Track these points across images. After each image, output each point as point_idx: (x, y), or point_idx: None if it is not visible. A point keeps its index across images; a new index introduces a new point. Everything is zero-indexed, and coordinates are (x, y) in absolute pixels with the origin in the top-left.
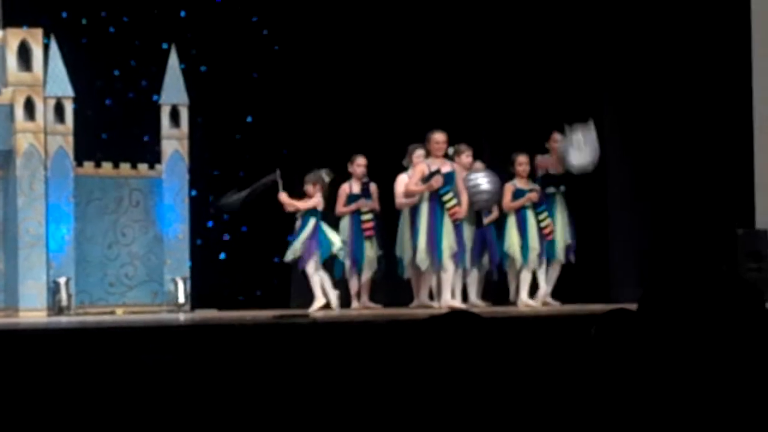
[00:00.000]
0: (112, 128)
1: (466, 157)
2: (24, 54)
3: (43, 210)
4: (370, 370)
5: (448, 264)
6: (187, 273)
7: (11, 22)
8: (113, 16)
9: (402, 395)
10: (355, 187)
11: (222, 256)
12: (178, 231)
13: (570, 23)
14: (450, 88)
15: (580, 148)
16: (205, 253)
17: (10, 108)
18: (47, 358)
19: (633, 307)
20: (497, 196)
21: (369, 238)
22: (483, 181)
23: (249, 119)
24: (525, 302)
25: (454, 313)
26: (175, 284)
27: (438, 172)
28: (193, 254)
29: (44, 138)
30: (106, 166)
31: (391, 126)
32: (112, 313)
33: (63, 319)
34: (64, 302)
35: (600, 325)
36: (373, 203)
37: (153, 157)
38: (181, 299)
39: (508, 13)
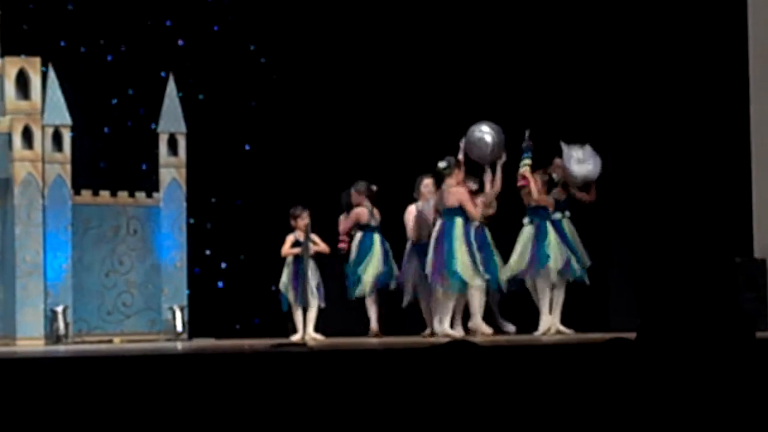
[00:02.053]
0: (110, 156)
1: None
2: (22, 82)
3: (41, 238)
4: (368, 399)
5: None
6: (184, 301)
7: (9, 50)
8: (111, 44)
9: (400, 424)
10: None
11: (220, 284)
12: (176, 259)
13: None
14: (453, 113)
15: (580, 162)
16: (202, 281)
17: (8, 136)
18: (44, 387)
19: (631, 335)
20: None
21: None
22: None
23: (247, 147)
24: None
25: (454, 342)
26: (173, 312)
27: None
28: (190, 282)
29: (42, 166)
30: (104, 195)
31: (393, 153)
32: (110, 341)
33: (61, 348)
34: (62, 331)
35: (599, 354)
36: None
37: (151, 185)
38: (179, 328)
39: (510, 32)
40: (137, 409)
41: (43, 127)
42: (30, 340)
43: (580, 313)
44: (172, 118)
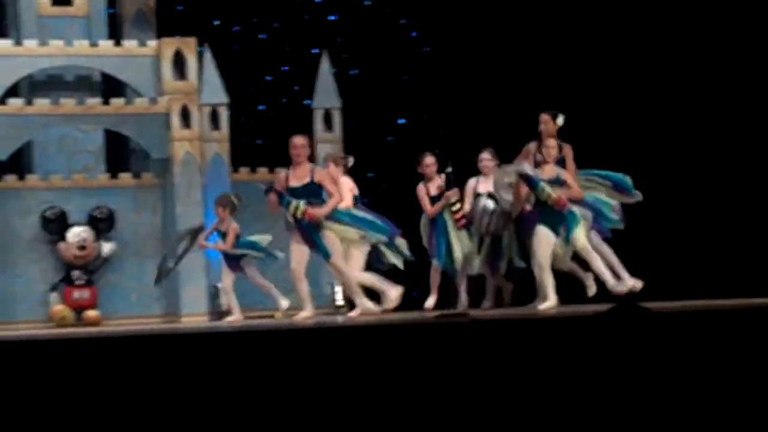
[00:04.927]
0: (266, 133)
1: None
2: (179, 63)
3: (201, 216)
4: (532, 367)
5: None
6: None
7: (165, 32)
8: (264, 22)
9: (569, 389)
10: (432, 189)
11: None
12: None
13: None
14: (604, 89)
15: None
16: None
17: (166, 117)
18: (208, 361)
19: None
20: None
21: (463, 228)
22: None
23: (401, 121)
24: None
25: (623, 306)
26: (332, 287)
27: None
28: None
29: (200, 145)
30: (262, 171)
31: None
32: (271, 317)
33: (223, 324)
34: (224, 307)
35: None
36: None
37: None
38: (339, 302)
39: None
40: (300, 380)
41: (200, 107)
42: (193, 317)
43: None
44: (326, 94)
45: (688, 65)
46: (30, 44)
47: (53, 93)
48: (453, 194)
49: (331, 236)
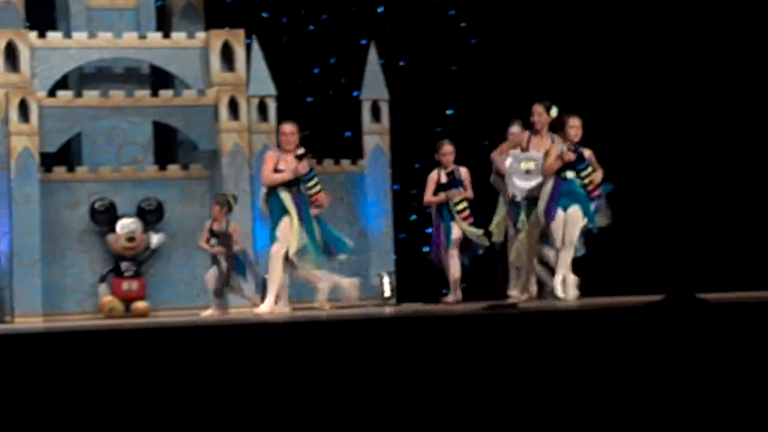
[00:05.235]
0: (314, 125)
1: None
2: (227, 54)
3: (250, 207)
4: (583, 358)
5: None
6: (392, 267)
7: (214, 24)
8: (313, 14)
9: (613, 380)
10: (443, 177)
11: (426, 249)
12: (382, 225)
13: None
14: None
15: (527, 174)
16: (408, 246)
17: (215, 108)
18: (259, 352)
19: None
20: None
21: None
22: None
23: (449, 112)
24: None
25: (677, 297)
26: (381, 278)
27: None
28: (396, 248)
29: (248, 137)
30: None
31: (604, 116)
32: (319, 309)
33: (268, 315)
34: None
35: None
36: (465, 191)
37: (355, 152)
38: (387, 293)
39: None
40: (348, 371)
41: (248, 98)
42: (242, 309)
43: None
44: (374, 85)
45: (688, 65)
46: (80, 36)
47: (102, 85)
48: (455, 194)
49: (287, 225)
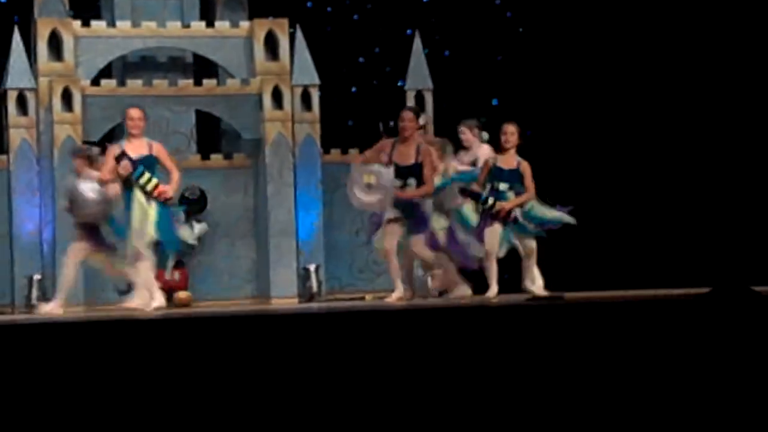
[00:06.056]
0: (357, 115)
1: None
2: (271, 44)
3: (292, 197)
4: (628, 349)
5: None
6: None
7: (258, 13)
8: (357, 3)
9: (663, 372)
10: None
11: None
12: None
13: None
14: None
15: (369, 188)
16: None
17: (259, 97)
18: (298, 343)
19: None
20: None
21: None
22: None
23: (494, 102)
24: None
25: (727, 288)
26: (425, 272)
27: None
28: None
29: (292, 126)
30: (353, 153)
31: (641, 106)
32: (362, 299)
33: (314, 306)
34: (315, 289)
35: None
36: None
37: None
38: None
39: None
40: (390, 361)
41: (292, 88)
42: (284, 299)
43: None
44: (418, 75)
45: (688, 65)
46: (123, 25)
47: (146, 74)
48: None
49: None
